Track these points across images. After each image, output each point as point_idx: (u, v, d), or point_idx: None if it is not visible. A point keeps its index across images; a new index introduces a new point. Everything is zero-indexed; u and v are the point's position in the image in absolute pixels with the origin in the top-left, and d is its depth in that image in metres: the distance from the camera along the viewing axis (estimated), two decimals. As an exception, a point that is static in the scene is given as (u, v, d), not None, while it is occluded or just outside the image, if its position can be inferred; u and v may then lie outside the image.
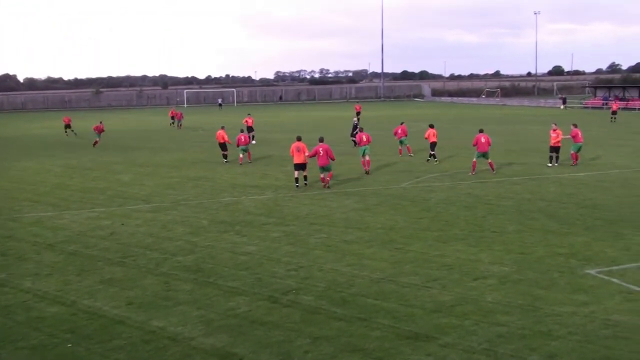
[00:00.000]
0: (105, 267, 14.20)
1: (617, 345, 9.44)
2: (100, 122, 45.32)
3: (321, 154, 23.54)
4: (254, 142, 35.29)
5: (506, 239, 15.81)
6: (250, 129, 42.21)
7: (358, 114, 62.77)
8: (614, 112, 60.44)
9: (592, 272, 12.95)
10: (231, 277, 13.23)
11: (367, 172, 27.28)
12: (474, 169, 26.70)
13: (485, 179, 25.54)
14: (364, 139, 28.19)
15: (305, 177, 24.29)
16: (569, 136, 28.91)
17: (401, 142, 33.37)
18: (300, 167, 24.11)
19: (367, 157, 27.63)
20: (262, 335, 10.15)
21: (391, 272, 13.25)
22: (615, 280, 12.40)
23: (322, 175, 24.23)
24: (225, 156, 32.49)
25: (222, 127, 32.96)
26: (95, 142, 42.80)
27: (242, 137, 31.75)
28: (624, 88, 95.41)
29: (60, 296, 12.34)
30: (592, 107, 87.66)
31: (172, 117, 62.79)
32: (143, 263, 14.49)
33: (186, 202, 21.76)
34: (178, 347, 9.80)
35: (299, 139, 24.51)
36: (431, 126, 31.39)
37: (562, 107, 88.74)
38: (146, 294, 12.30)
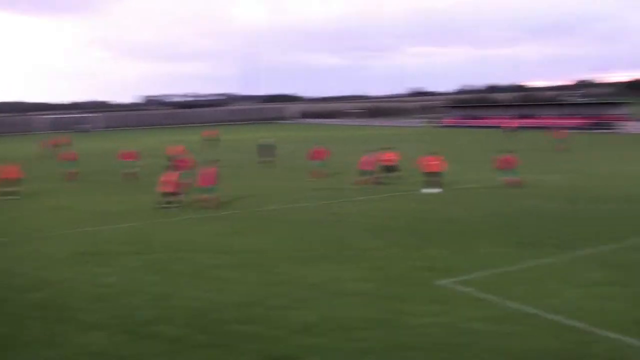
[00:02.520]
0: (-52, 310, 13.15)
1: (469, 351, 9.95)
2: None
3: (205, 177, 24.21)
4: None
5: (369, 256, 16.27)
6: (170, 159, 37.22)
7: (214, 139, 63.07)
8: (513, 129, 64.30)
9: (448, 283, 13.60)
10: (88, 311, 12.62)
11: None
12: (362, 184, 28.85)
13: (352, 197, 26.25)
14: None
15: (173, 202, 24.03)
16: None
17: (320, 166, 33.73)
18: (170, 193, 24.18)
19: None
20: (121, 370, 9.80)
21: (258, 296, 13.23)
22: (467, 289, 13.08)
23: (203, 197, 24.38)
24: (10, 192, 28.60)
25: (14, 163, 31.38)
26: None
27: (126, 154, 36.10)
28: (477, 107, 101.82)
29: None
30: (451, 126, 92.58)
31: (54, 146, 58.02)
32: (-9, 303, 13.55)
33: (42, 234, 20.64)
34: (29, 390, 9.25)
35: (171, 166, 24.90)
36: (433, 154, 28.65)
37: (435, 125, 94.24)
38: (-6, 336, 11.51)
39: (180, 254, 17.19)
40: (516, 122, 68.40)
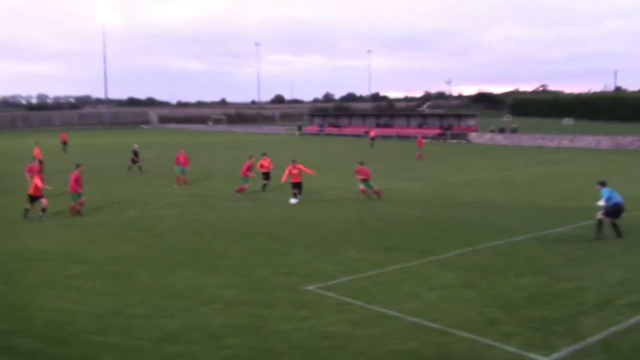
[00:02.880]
0: None
1: (333, 355, 10.16)
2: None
3: (73, 182, 23.25)
4: None
5: (232, 263, 16.18)
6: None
7: (64, 143, 60.21)
8: (372, 138, 65.77)
9: (312, 288, 13.80)
10: None
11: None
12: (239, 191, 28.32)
13: (214, 204, 25.97)
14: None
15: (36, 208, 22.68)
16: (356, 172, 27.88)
17: (182, 172, 32.40)
18: (35, 199, 22.72)
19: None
20: (-33, 390, 9.07)
21: (116, 305, 12.73)
22: (331, 294, 13.35)
23: (72, 204, 23.50)
24: None
25: None
26: None
27: None
28: (337, 116, 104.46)
29: None
30: (311, 134, 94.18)
31: None
32: None
33: None
34: None
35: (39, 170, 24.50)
36: (293, 161, 27.46)
37: (297, 133, 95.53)
38: None
39: (33, 264, 16.21)
40: (374, 132, 70.77)
